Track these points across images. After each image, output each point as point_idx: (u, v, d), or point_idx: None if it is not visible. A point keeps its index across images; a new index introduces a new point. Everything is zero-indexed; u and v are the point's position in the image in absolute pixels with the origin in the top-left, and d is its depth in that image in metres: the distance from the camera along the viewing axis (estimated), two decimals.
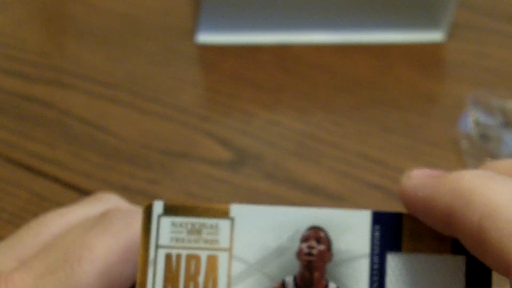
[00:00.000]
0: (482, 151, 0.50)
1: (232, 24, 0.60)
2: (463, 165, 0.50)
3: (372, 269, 0.27)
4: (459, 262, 0.27)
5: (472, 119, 0.51)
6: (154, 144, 0.52)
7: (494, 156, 0.49)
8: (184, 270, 0.27)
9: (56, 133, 0.53)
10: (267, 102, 0.56)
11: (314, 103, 0.56)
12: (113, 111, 0.55)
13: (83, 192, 0.48)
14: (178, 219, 0.27)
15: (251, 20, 0.60)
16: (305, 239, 0.27)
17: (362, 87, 0.57)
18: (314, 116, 0.55)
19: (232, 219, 0.27)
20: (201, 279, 0.27)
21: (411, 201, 0.26)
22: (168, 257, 0.27)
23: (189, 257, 0.27)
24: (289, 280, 0.27)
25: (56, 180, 0.50)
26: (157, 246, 0.27)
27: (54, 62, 0.59)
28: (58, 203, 0.47)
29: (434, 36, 0.60)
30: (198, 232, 0.27)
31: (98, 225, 0.30)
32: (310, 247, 0.27)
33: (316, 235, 0.27)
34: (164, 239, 0.27)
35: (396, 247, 0.27)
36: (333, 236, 0.27)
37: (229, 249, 0.27)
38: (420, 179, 0.26)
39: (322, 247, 0.27)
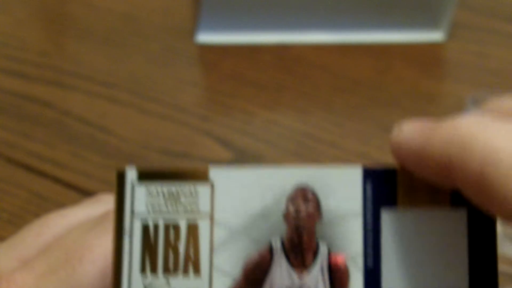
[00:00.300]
0: None
1: (232, 24, 0.60)
2: None
3: (365, 228, 0.25)
4: (460, 215, 0.25)
5: None
6: (154, 144, 0.52)
7: None
8: (163, 240, 0.25)
9: (56, 133, 0.53)
10: (267, 102, 0.56)
11: (314, 103, 0.56)
12: (113, 111, 0.55)
13: (83, 192, 0.48)
14: (154, 186, 0.26)
15: (251, 20, 0.60)
16: (291, 200, 0.25)
17: (362, 87, 0.57)
18: (314, 116, 0.55)
19: (211, 183, 0.25)
20: (181, 248, 0.25)
21: (404, 154, 0.24)
22: (144, 227, 0.25)
23: (168, 226, 0.25)
24: (276, 243, 0.25)
25: (56, 180, 0.50)
26: (133, 216, 0.25)
27: (54, 62, 0.59)
28: (58, 203, 0.47)
29: (434, 36, 0.60)
30: (176, 198, 0.25)
31: (99, 226, 0.30)
32: (298, 208, 0.25)
33: (304, 195, 0.25)
34: (140, 208, 0.25)
35: (390, 203, 0.25)
36: (321, 195, 0.25)
37: (210, 215, 0.25)
38: (412, 131, 0.24)
39: (310, 207, 0.25)
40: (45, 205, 0.48)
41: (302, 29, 0.60)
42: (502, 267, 0.42)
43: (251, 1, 0.59)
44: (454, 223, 0.25)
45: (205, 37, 0.60)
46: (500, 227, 0.45)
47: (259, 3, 0.59)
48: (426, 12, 0.61)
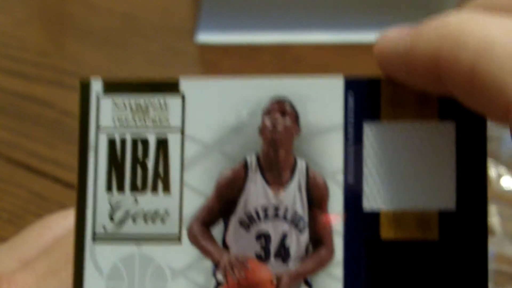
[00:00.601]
0: None
1: (232, 24, 0.60)
2: None
3: (346, 142, 0.23)
4: (448, 128, 0.23)
5: None
6: None
7: (494, 156, 0.50)
8: (130, 155, 0.24)
9: (56, 133, 0.53)
10: None
11: None
12: None
13: None
14: (121, 98, 0.24)
15: (251, 20, 0.60)
16: (268, 112, 0.24)
17: None
18: None
19: (182, 95, 0.24)
20: (150, 164, 0.24)
21: (390, 59, 0.22)
22: (111, 141, 0.24)
23: (136, 141, 0.24)
24: (251, 159, 0.24)
25: (56, 180, 0.50)
26: (98, 130, 0.24)
27: (54, 62, 0.59)
28: (58, 203, 0.47)
29: None
30: (145, 111, 0.24)
31: None
32: (274, 122, 0.23)
33: (281, 107, 0.24)
34: (106, 121, 0.24)
35: (373, 116, 0.23)
36: (300, 107, 0.23)
37: (181, 129, 0.24)
38: (398, 33, 0.22)
39: (287, 120, 0.23)
40: (45, 205, 0.48)
41: (302, 29, 0.60)
42: (502, 267, 0.42)
43: (251, 1, 0.59)
44: (442, 137, 0.23)
45: (205, 37, 0.60)
46: (500, 227, 0.45)
47: (259, 3, 0.59)
48: (426, 12, 0.61)
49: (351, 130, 0.23)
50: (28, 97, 0.56)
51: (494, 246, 0.43)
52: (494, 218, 0.46)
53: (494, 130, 0.51)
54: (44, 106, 0.55)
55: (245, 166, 0.24)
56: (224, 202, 0.24)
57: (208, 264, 0.23)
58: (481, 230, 0.23)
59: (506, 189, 0.48)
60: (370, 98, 0.23)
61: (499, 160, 0.49)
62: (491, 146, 0.50)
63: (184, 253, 0.23)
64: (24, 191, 0.49)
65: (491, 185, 0.48)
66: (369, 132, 0.23)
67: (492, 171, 0.48)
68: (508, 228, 0.45)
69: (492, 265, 0.42)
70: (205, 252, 0.23)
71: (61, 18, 0.63)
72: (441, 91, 0.22)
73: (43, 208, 0.47)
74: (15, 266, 0.29)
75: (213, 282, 0.23)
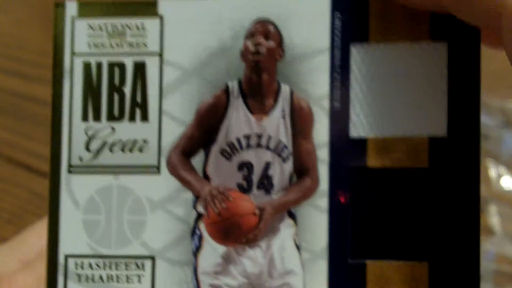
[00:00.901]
0: (482, 151, 0.50)
1: None
2: None
3: (333, 66, 0.22)
4: (440, 49, 0.22)
5: None
6: None
7: (494, 156, 0.50)
8: (107, 81, 0.23)
9: None
10: None
11: None
12: None
13: None
14: (96, 21, 0.23)
15: None
16: (250, 35, 0.22)
17: None
18: None
19: (161, 17, 0.23)
20: (127, 91, 0.23)
21: None
22: (86, 65, 0.23)
23: (112, 65, 0.23)
24: (233, 84, 0.23)
25: None
26: (73, 54, 0.23)
27: None
28: None
29: None
30: (121, 34, 0.23)
31: None
32: (257, 44, 0.22)
33: (264, 29, 0.22)
34: (81, 46, 0.23)
35: (361, 37, 0.22)
36: (284, 29, 0.22)
37: (160, 53, 0.23)
38: None
39: (271, 43, 0.22)
40: (45, 205, 0.47)
41: None
42: (502, 267, 0.42)
43: None
44: (433, 58, 0.22)
45: None
46: (500, 227, 0.45)
47: None
48: None
49: (337, 52, 0.22)
50: (28, 97, 0.56)
51: (494, 246, 0.43)
52: (494, 218, 0.46)
53: (494, 130, 0.51)
54: (44, 106, 0.55)
55: (227, 91, 0.23)
56: (205, 130, 0.23)
57: (188, 195, 0.23)
58: (474, 156, 0.22)
59: (506, 189, 0.48)
60: (358, 18, 0.22)
61: (499, 160, 0.49)
62: (491, 146, 0.50)
63: (163, 184, 0.23)
64: (24, 191, 0.49)
65: (491, 185, 0.48)
66: (357, 54, 0.22)
67: (492, 171, 0.48)
68: (508, 228, 0.45)
69: (492, 265, 0.42)
70: (185, 183, 0.22)
71: None
72: (432, 4, 0.20)
73: (43, 208, 0.47)
74: (15, 266, 0.29)
75: (193, 214, 0.23)
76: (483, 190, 0.47)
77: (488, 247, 0.43)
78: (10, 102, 0.55)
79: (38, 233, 0.31)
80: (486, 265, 0.42)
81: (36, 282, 0.29)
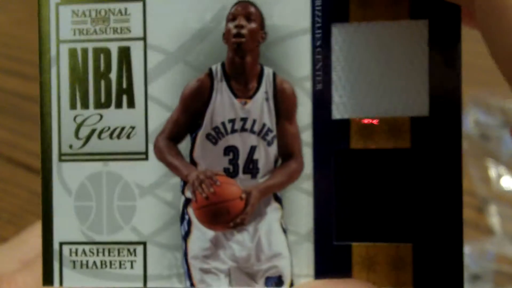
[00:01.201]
0: (482, 151, 0.50)
1: None
2: (463, 165, 0.50)
3: (314, 45, 0.22)
4: (420, 27, 0.22)
5: (472, 119, 0.51)
6: None
7: (494, 156, 0.50)
8: (92, 66, 0.23)
9: None
10: None
11: None
12: None
13: None
14: (80, 7, 0.23)
15: None
16: (232, 17, 0.22)
17: None
18: None
19: (143, 1, 0.23)
20: (113, 75, 0.23)
21: None
22: (72, 52, 0.23)
23: (97, 51, 0.23)
24: (217, 68, 0.22)
25: None
26: (59, 41, 0.24)
27: None
28: None
29: None
30: (105, 20, 0.23)
31: None
32: (239, 27, 0.22)
33: (246, 11, 0.22)
34: (66, 32, 0.23)
35: (342, 17, 0.22)
36: (265, 10, 0.22)
37: (143, 38, 0.23)
38: None
39: (253, 25, 0.22)
40: None
41: None
42: (502, 267, 0.42)
43: None
44: (414, 37, 0.22)
45: None
46: (500, 227, 0.45)
47: None
48: None
49: (318, 33, 0.22)
50: (28, 97, 0.56)
51: (494, 246, 0.43)
52: (494, 218, 0.46)
53: (494, 130, 0.51)
54: None
55: (210, 75, 0.23)
56: (190, 114, 0.23)
57: (176, 181, 0.23)
58: (455, 136, 0.22)
59: (506, 189, 0.48)
60: None
61: (499, 160, 0.49)
62: (491, 146, 0.50)
63: (152, 170, 0.23)
64: (24, 191, 0.49)
65: (491, 185, 0.48)
66: (338, 34, 0.22)
67: (492, 171, 0.49)
68: (508, 228, 0.45)
69: (492, 265, 0.42)
70: (172, 167, 0.23)
71: None
72: None
73: None
74: (16, 267, 0.29)
75: (182, 199, 0.23)
76: (483, 190, 0.47)
77: (488, 247, 0.43)
78: (10, 102, 0.55)
79: (38, 233, 0.31)
80: (486, 265, 0.42)
81: (36, 282, 0.29)
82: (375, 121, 0.22)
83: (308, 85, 0.22)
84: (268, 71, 0.22)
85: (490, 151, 0.50)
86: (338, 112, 0.22)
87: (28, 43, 0.61)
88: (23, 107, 0.55)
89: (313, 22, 0.22)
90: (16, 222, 0.47)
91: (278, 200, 0.23)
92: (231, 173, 0.23)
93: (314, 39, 0.22)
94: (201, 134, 0.23)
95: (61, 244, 0.23)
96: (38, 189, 0.52)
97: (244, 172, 0.23)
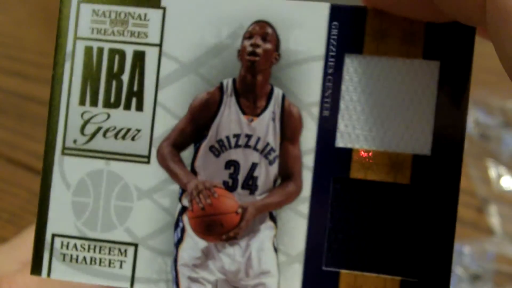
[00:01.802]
0: (482, 150, 0.50)
1: None
2: (463, 165, 0.50)
3: (326, 73, 0.22)
4: (432, 67, 0.22)
5: (472, 119, 0.51)
6: None
7: (494, 156, 0.50)
8: (106, 66, 0.23)
9: None
10: None
11: None
12: None
13: None
14: (101, 7, 0.23)
15: None
16: (249, 35, 0.23)
17: None
18: None
19: (164, 9, 0.23)
20: (125, 77, 0.23)
21: None
22: (88, 50, 0.23)
23: (113, 52, 0.23)
24: (228, 83, 0.23)
25: None
26: (76, 38, 0.23)
27: None
28: None
29: None
30: (124, 23, 0.23)
31: None
32: (255, 45, 0.23)
33: (263, 31, 0.23)
34: (84, 30, 0.23)
35: (356, 48, 0.22)
36: (282, 33, 0.23)
37: (159, 45, 0.23)
38: None
39: (268, 45, 0.23)
40: None
41: None
42: (502, 267, 0.42)
43: None
44: (424, 77, 0.22)
45: None
46: (500, 227, 0.45)
47: None
48: None
49: (332, 61, 0.22)
50: (28, 97, 0.56)
51: (494, 246, 0.43)
52: (494, 218, 0.46)
53: (494, 130, 0.51)
54: (44, 106, 0.55)
55: (221, 89, 0.23)
56: (197, 125, 0.23)
57: (175, 188, 0.23)
58: (454, 177, 0.22)
59: (506, 189, 0.48)
60: (355, 29, 0.22)
61: (499, 160, 0.49)
62: (491, 146, 0.50)
63: (152, 174, 0.23)
64: (24, 191, 0.49)
65: (491, 185, 0.48)
66: (350, 64, 0.22)
67: (492, 171, 0.49)
68: (508, 228, 0.45)
69: (492, 265, 0.42)
70: (172, 174, 0.23)
71: None
72: (427, 13, 0.21)
73: None
74: (16, 267, 0.29)
75: (178, 207, 0.23)
76: (483, 190, 0.47)
77: (488, 247, 0.43)
78: (10, 102, 0.55)
79: None
80: (486, 265, 0.42)
81: (36, 282, 0.29)
82: (370, 154, 0.22)
83: (315, 110, 0.22)
84: (277, 92, 0.23)
85: (490, 151, 0.50)
86: (341, 141, 0.22)
87: (28, 43, 0.61)
88: (23, 107, 0.55)
89: (327, 50, 0.22)
90: (16, 222, 0.47)
91: (273, 219, 0.23)
92: (230, 187, 0.23)
93: (326, 66, 0.22)
94: (204, 145, 0.23)
95: (53, 235, 0.23)
96: (38, 189, 0.52)
97: (243, 188, 0.23)
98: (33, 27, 0.63)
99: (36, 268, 0.23)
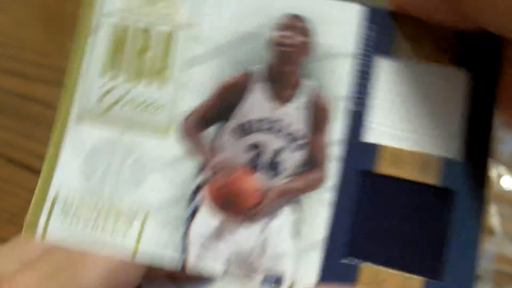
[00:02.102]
0: None
1: None
2: None
3: (356, 70, 0.23)
4: (462, 76, 0.22)
5: None
6: None
7: (494, 156, 0.50)
8: (131, 44, 0.23)
9: None
10: None
11: None
12: None
13: None
14: None
15: None
16: (282, 27, 0.23)
17: None
18: None
19: None
20: (149, 56, 0.23)
21: None
22: (113, 27, 0.23)
23: (138, 30, 0.23)
24: (255, 70, 0.23)
25: None
26: (101, 14, 0.23)
27: (54, 62, 0.58)
28: None
29: None
30: (154, 3, 0.23)
31: None
32: (287, 37, 0.23)
33: (296, 23, 0.23)
34: (111, 7, 0.23)
35: (387, 49, 0.23)
36: (315, 27, 0.23)
37: (188, 27, 0.23)
38: None
39: (300, 38, 0.23)
40: None
41: None
42: (502, 267, 0.42)
43: None
44: (453, 84, 0.22)
45: None
46: (500, 227, 0.45)
47: None
48: None
49: (361, 60, 0.23)
50: (28, 97, 0.56)
51: (494, 246, 0.43)
52: (494, 218, 0.46)
53: (494, 130, 0.51)
54: (44, 106, 0.55)
55: (249, 75, 0.23)
56: (223, 105, 0.23)
57: (190, 165, 0.23)
58: (482, 180, 0.22)
59: (506, 189, 0.48)
60: (387, 31, 0.23)
61: (499, 160, 0.49)
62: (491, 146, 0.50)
63: (168, 149, 0.23)
64: (24, 191, 0.49)
65: (491, 185, 0.48)
66: (380, 65, 0.23)
67: (492, 171, 0.48)
68: (508, 228, 0.45)
69: (492, 265, 0.42)
70: (196, 146, 0.23)
71: (61, 18, 0.63)
72: (457, 18, 0.20)
73: None
74: (16, 267, 0.29)
75: (194, 182, 0.23)
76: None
77: (488, 247, 0.43)
78: (10, 102, 0.55)
79: None
80: (486, 265, 0.42)
81: (36, 283, 0.29)
82: (397, 152, 0.22)
83: (344, 104, 0.23)
84: (306, 83, 0.23)
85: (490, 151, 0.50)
86: (369, 136, 0.22)
87: (28, 43, 0.60)
88: (23, 107, 0.55)
89: (358, 48, 0.23)
90: (16, 222, 0.47)
91: (295, 204, 0.23)
92: (252, 169, 0.23)
93: (356, 64, 0.23)
94: (226, 127, 0.23)
95: (57, 192, 0.23)
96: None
97: (266, 171, 0.23)
98: (33, 27, 0.63)
99: (31, 225, 0.23)
